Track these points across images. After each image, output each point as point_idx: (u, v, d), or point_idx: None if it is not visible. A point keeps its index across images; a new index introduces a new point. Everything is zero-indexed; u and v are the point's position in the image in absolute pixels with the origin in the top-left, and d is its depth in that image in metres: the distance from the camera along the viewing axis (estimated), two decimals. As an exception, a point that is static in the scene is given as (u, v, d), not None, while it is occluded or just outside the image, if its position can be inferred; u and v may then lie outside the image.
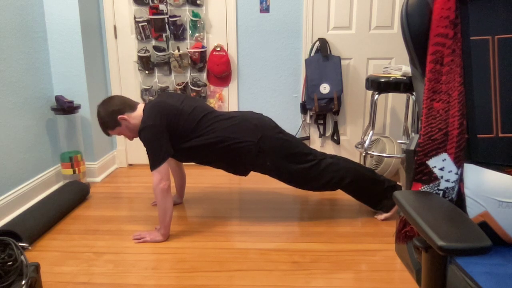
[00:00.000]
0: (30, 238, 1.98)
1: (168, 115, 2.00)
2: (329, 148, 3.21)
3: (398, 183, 2.26)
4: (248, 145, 2.04)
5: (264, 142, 2.06)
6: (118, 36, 3.04)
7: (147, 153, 1.96)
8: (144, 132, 1.95)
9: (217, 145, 2.04)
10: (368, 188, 2.19)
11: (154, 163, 1.94)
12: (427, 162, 1.09)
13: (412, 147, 1.12)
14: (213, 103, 3.11)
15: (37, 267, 1.46)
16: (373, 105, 2.62)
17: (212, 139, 2.03)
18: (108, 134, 2.12)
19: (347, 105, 3.13)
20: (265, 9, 2.97)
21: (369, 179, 2.18)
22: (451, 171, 1.06)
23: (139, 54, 3.00)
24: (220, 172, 3.09)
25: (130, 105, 2.08)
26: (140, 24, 2.97)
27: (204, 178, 2.96)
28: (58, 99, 2.66)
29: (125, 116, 2.05)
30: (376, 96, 2.60)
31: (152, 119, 1.96)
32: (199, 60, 3.01)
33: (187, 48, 3.00)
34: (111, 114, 2.04)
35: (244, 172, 2.16)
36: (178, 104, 2.05)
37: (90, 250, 1.96)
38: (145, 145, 1.97)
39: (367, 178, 2.17)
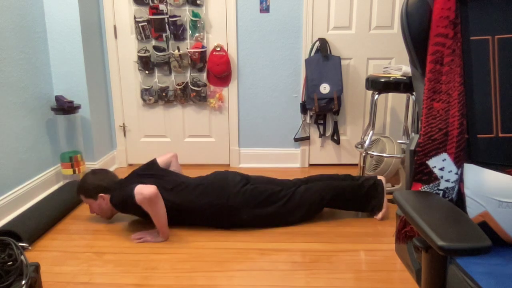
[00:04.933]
0: (30, 238, 1.98)
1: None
2: (329, 148, 3.21)
3: (379, 177, 2.26)
4: (219, 208, 2.08)
5: (233, 200, 2.08)
6: (118, 36, 3.04)
7: (126, 208, 2.03)
8: (114, 198, 2.04)
9: (191, 215, 2.11)
10: (350, 197, 2.22)
11: (131, 195, 1.93)
12: (427, 162, 1.09)
13: (412, 147, 1.12)
14: (213, 103, 3.12)
15: (37, 267, 1.46)
16: (373, 105, 2.62)
17: (184, 211, 2.08)
18: (78, 196, 2.21)
19: (347, 105, 3.13)
20: (265, 9, 2.97)
21: (348, 188, 2.21)
22: (451, 171, 1.06)
23: (139, 54, 3.00)
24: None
25: (113, 189, 2.13)
26: (140, 24, 2.97)
27: (204, 178, 2.96)
28: (58, 99, 2.66)
29: (105, 196, 2.13)
30: (376, 96, 2.60)
31: (121, 188, 2.07)
32: (199, 60, 3.01)
33: (187, 48, 3.00)
34: (96, 188, 2.14)
35: (225, 227, 2.19)
36: (145, 181, 2.10)
37: (90, 250, 1.96)
38: (120, 204, 2.03)
39: (345, 189, 2.20)
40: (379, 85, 2.49)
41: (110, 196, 2.09)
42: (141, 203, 1.92)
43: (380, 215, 2.24)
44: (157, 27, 2.96)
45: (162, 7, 2.92)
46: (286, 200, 2.13)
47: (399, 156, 2.62)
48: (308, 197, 2.15)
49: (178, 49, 3.00)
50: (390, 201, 2.37)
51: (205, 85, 3.08)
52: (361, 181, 2.23)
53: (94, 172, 2.21)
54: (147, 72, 3.07)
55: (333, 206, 2.25)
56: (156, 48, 3.01)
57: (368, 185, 2.22)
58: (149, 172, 2.22)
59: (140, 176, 2.19)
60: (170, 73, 3.08)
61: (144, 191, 1.90)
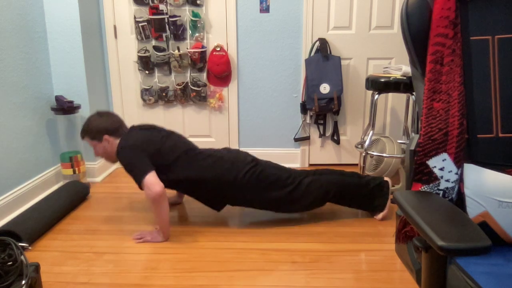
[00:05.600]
0: (30, 238, 1.98)
1: (148, 144, 2.03)
2: (329, 148, 3.21)
3: (385, 178, 2.26)
4: (225, 182, 2.07)
5: (241, 178, 2.07)
6: (118, 36, 3.04)
7: (129, 173, 1.98)
8: (123, 152, 2.00)
9: (194, 183, 2.08)
10: (355, 194, 2.21)
11: (138, 179, 1.93)
12: (427, 162, 1.09)
13: (412, 147, 1.12)
14: (213, 103, 3.12)
15: (37, 267, 1.46)
16: (373, 105, 2.62)
17: (189, 177, 2.06)
18: (82, 138, 2.17)
19: (347, 105, 3.13)
20: (265, 9, 2.97)
21: (353, 185, 2.20)
22: (451, 171, 1.06)
23: (139, 54, 3.00)
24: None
25: (120, 132, 2.12)
26: (140, 24, 2.97)
27: (204, 178, 2.96)
28: (58, 99, 2.66)
29: (110, 138, 2.11)
30: (376, 96, 2.60)
31: (132, 141, 2.02)
32: (199, 60, 3.01)
33: (187, 48, 3.00)
34: (101, 129, 2.10)
35: (220, 207, 2.19)
36: (158, 137, 2.09)
37: (90, 250, 1.96)
38: (125, 166, 1.99)
39: (351, 185, 2.19)
40: (379, 85, 2.49)
41: (118, 147, 2.04)
42: (146, 196, 1.93)
43: (380, 215, 2.24)
44: (157, 27, 2.96)
45: (162, 7, 2.92)
46: (292, 188, 2.11)
47: (399, 156, 2.62)
48: (314, 189, 2.14)
49: (178, 49, 3.00)
50: (391, 201, 2.37)
51: (205, 85, 3.08)
52: (367, 180, 2.22)
53: (99, 114, 2.16)
54: (147, 72, 3.07)
55: (337, 202, 2.24)
56: (156, 48, 3.01)
57: (374, 184, 2.22)
58: (167, 131, 2.19)
59: (158, 131, 2.14)
60: (170, 73, 3.08)
61: (152, 188, 1.89)
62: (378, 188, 2.22)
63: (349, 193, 2.20)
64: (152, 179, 1.91)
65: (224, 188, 2.08)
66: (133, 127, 2.17)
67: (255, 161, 2.16)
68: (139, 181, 1.92)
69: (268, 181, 2.09)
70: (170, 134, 2.16)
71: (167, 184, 2.08)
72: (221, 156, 2.12)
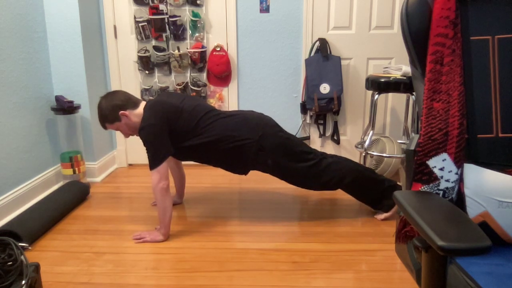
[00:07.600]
0: (30, 238, 1.98)
1: (169, 114, 2.01)
2: (329, 148, 3.21)
3: (398, 183, 2.26)
4: (249, 142, 2.05)
5: (265, 140, 2.06)
6: (118, 36, 3.04)
7: (147, 153, 1.97)
8: (144, 131, 1.96)
9: (217, 143, 2.05)
10: (368, 187, 2.20)
11: (153, 163, 1.95)
12: (427, 162, 1.09)
13: (412, 147, 1.12)
14: (213, 103, 3.11)
15: (37, 267, 1.46)
16: (373, 105, 2.63)
17: (212, 137, 2.04)
18: (105, 128, 2.12)
19: (347, 105, 3.13)
20: (265, 9, 2.97)
21: (369, 179, 2.18)
22: (451, 171, 1.06)
23: (139, 54, 3.00)
24: (220, 172, 3.09)
25: (133, 102, 2.09)
26: (140, 24, 2.97)
27: (204, 178, 2.96)
28: (58, 99, 2.66)
29: (126, 112, 2.05)
30: (376, 96, 2.60)
31: (153, 118, 1.97)
32: (199, 60, 3.01)
33: (187, 48, 3.00)
34: (113, 108, 2.04)
35: (243, 171, 2.16)
36: (178, 103, 2.06)
37: (90, 250, 1.96)
38: (144, 144, 1.97)
39: (367, 178, 2.18)
40: (379, 85, 2.49)
41: (140, 125, 1.98)
42: (154, 187, 1.94)
43: (383, 216, 2.24)
44: (157, 27, 2.96)
45: (162, 7, 2.92)
46: (312, 164, 2.10)
47: (399, 156, 2.62)
48: (332, 170, 2.13)
49: (178, 49, 3.00)
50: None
51: (205, 85, 3.08)
52: (383, 179, 2.22)
53: (103, 97, 2.09)
54: (147, 72, 3.07)
55: (349, 190, 2.22)
56: (156, 48, 3.01)
57: (389, 184, 2.21)
58: (183, 95, 2.17)
59: (176, 98, 2.10)
60: (170, 73, 3.08)
61: (159, 180, 1.92)
62: (391, 189, 2.21)
63: (364, 185, 2.19)
64: (162, 172, 1.93)
65: (248, 148, 2.05)
66: (150, 101, 2.10)
67: (279, 127, 2.16)
68: (151, 167, 1.95)
69: (291, 150, 2.09)
70: (188, 99, 2.13)
71: (189, 152, 2.08)
72: (245, 117, 2.11)
